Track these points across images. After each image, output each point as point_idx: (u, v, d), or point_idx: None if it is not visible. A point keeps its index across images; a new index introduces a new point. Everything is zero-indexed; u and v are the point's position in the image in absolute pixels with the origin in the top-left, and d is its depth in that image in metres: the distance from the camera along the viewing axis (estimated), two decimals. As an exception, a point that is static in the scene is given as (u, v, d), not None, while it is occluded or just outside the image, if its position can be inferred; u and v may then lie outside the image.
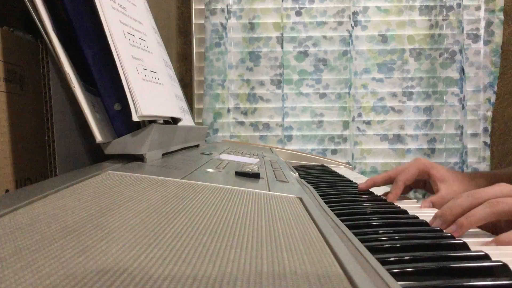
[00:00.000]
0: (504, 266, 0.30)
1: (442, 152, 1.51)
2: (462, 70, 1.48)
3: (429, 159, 1.51)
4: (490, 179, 0.66)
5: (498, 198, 0.42)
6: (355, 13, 1.53)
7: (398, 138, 1.54)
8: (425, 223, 0.46)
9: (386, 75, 1.54)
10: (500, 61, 1.54)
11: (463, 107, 1.49)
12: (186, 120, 0.75)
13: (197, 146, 0.87)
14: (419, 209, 0.58)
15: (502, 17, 1.52)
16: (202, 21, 1.56)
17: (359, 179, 0.89)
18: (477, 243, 0.39)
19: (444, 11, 1.50)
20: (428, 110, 1.52)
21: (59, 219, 0.21)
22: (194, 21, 1.60)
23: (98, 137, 0.42)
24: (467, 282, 0.28)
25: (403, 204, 0.57)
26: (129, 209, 0.25)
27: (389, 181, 0.66)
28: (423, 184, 0.70)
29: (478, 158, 1.56)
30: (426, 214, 0.53)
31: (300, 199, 0.37)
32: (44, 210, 0.23)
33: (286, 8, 1.55)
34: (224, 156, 0.69)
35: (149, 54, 0.56)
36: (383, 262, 0.25)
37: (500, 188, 0.44)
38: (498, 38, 1.53)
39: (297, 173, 0.77)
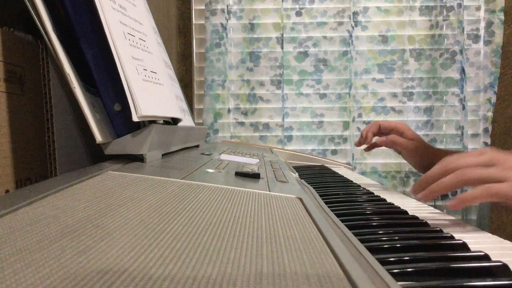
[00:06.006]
0: (504, 266, 0.30)
1: (442, 153, 1.51)
2: (462, 71, 1.48)
3: (429, 160, 1.52)
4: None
5: (466, 168, 0.47)
6: (355, 14, 1.53)
7: (398, 139, 1.54)
8: (425, 223, 0.46)
9: (386, 76, 1.54)
10: (501, 62, 1.53)
11: (463, 108, 1.48)
12: (186, 121, 0.75)
13: (197, 146, 0.87)
14: (419, 210, 0.58)
15: (502, 17, 1.52)
16: (202, 22, 1.56)
17: (359, 180, 0.89)
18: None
19: (445, 11, 1.50)
20: (428, 110, 1.52)
21: (59, 219, 0.21)
22: (194, 22, 1.60)
23: (98, 138, 0.42)
24: (467, 282, 0.28)
25: (403, 204, 0.57)
26: (129, 209, 0.25)
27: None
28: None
29: (478, 159, 1.55)
30: (426, 214, 0.53)
31: (300, 199, 0.37)
32: (44, 210, 0.23)
33: (286, 9, 1.55)
34: (224, 157, 0.69)
35: (149, 54, 0.56)
36: (383, 262, 0.25)
37: (469, 158, 0.49)
38: (498, 38, 1.53)
39: (297, 174, 0.77)
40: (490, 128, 1.55)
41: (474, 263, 0.32)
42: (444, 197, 1.31)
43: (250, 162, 0.66)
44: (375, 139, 0.86)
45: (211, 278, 0.16)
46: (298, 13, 1.55)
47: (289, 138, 1.55)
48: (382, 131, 0.85)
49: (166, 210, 0.26)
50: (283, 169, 0.65)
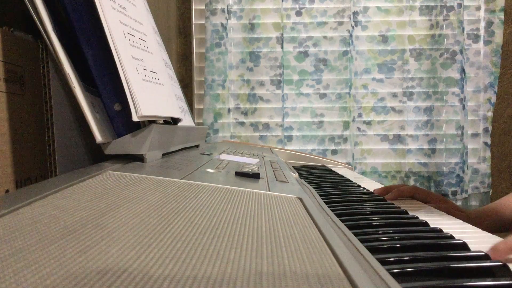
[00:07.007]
0: (504, 266, 0.30)
1: (443, 152, 1.51)
2: (462, 70, 1.48)
3: (430, 160, 1.52)
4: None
5: None
6: (355, 13, 1.53)
7: (399, 139, 1.54)
8: (425, 223, 0.46)
9: (386, 75, 1.54)
10: (501, 61, 1.53)
11: (463, 107, 1.48)
12: (186, 121, 0.75)
13: (197, 146, 0.87)
14: (419, 210, 0.58)
15: (502, 17, 1.52)
16: (202, 22, 1.56)
17: (359, 180, 0.89)
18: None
19: (445, 11, 1.50)
20: (428, 110, 1.52)
21: (59, 219, 0.21)
22: (194, 22, 1.60)
23: (98, 137, 0.42)
24: (467, 282, 0.28)
25: (403, 205, 0.57)
26: (129, 209, 0.25)
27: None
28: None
29: (479, 159, 1.56)
30: (425, 214, 0.53)
31: (300, 199, 0.37)
32: (44, 210, 0.23)
33: (286, 8, 1.55)
34: (224, 156, 0.69)
35: (149, 54, 0.56)
36: (383, 262, 0.25)
37: None
38: (498, 38, 1.53)
39: (297, 173, 0.77)
40: (490, 128, 1.55)
41: (474, 263, 0.32)
42: None
43: (250, 162, 0.66)
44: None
45: (211, 278, 0.16)
46: (298, 13, 1.55)
47: (289, 138, 1.55)
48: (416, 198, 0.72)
49: (166, 210, 0.26)
50: (283, 169, 0.65)
